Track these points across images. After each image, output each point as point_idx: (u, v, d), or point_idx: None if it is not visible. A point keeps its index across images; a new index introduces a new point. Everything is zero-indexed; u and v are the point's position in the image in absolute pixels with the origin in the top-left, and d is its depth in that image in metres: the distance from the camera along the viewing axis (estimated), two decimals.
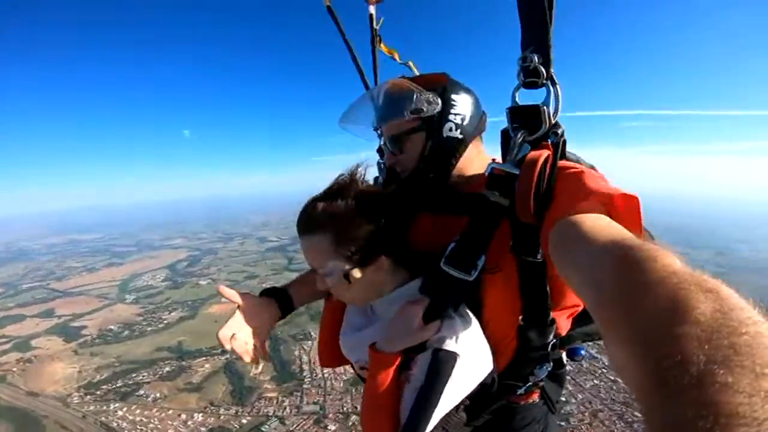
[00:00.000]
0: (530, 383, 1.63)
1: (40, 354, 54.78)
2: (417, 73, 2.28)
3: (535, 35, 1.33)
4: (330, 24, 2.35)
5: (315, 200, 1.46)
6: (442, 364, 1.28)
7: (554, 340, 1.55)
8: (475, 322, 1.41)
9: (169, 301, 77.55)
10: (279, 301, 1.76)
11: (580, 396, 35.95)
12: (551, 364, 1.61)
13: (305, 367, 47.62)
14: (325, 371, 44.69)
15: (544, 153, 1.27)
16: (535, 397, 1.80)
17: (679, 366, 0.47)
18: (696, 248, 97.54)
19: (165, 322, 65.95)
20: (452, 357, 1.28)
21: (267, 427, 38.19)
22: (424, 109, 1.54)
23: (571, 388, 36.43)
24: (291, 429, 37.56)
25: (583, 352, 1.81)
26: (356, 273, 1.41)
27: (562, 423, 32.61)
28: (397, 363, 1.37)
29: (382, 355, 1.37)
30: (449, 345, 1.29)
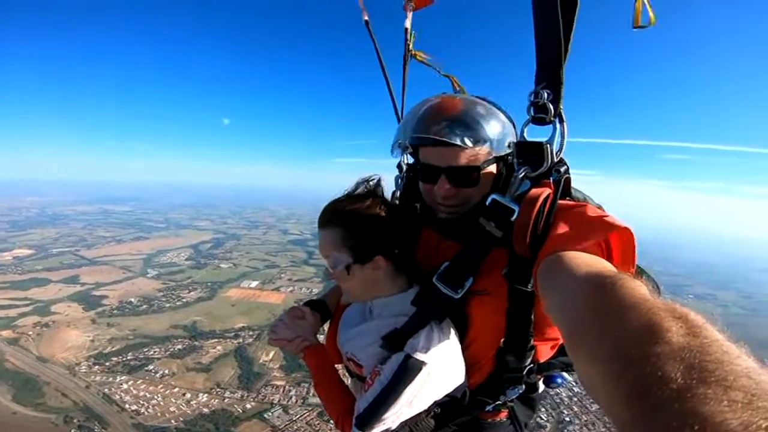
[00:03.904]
0: (500, 402, 1.71)
1: (58, 320, 55.59)
2: (459, 89, 2.34)
3: (549, 72, 1.39)
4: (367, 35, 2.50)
5: (335, 200, 1.63)
6: (407, 370, 1.39)
7: (531, 365, 1.64)
8: (454, 337, 1.54)
9: (190, 280, 78.58)
10: (320, 311, 1.93)
11: (584, 417, 37.08)
12: (523, 387, 1.68)
13: None
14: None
15: (545, 191, 1.35)
16: (503, 416, 1.87)
17: (659, 382, 0.51)
18: (722, 289, 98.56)
19: (183, 300, 66.69)
20: (419, 366, 1.39)
21: (270, 414, 38.46)
22: (513, 141, 1.55)
23: (576, 410, 38.01)
24: (294, 419, 37.75)
25: (559, 380, 1.86)
26: (356, 267, 1.56)
27: None
28: (313, 356, 1.69)
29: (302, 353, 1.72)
30: (420, 354, 1.41)
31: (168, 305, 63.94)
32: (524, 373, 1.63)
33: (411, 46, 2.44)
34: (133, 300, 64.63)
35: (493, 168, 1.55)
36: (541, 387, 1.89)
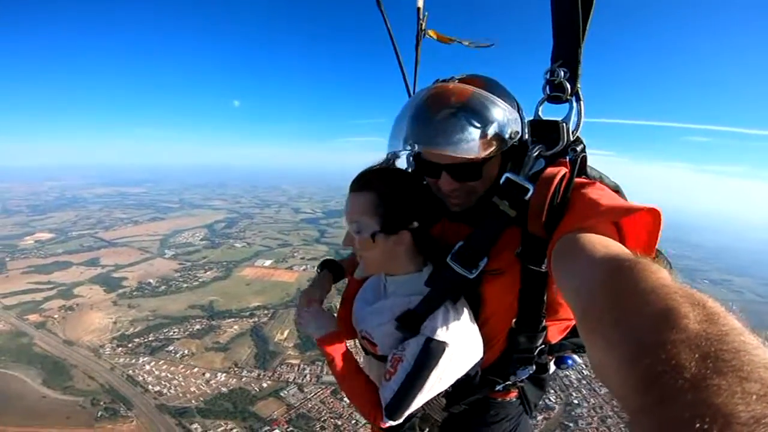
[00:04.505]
0: (510, 382, 1.75)
1: (81, 302, 57.00)
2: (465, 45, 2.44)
3: (566, 50, 1.35)
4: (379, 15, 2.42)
5: (372, 168, 1.63)
6: (430, 353, 1.42)
7: (542, 346, 1.64)
8: (470, 316, 1.55)
9: (206, 260, 79.65)
10: (333, 270, 2.02)
11: (592, 400, 37.51)
12: (534, 367, 1.69)
13: None
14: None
15: (561, 170, 1.32)
16: (513, 396, 1.92)
17: (673, 370, 0.49)
18: (739, 275, 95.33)
19: (200, 280, 67.76)
20: (442, 347, 1.41)
21: (286, 392, 39.09)
22: (518, 131, 1.49)
23: (585, 392, 38.44)
24: (309, 397, 38.41)
25: (570, 361, 1.87)
26: (381, 237, 1.54)
27: (571, 424, 34.93)
28: (333, 342, 1.62)
29: (320, 341, 1.63)
30: (440, 335, 1.42)
31: (185, 285, 65.03)
32: (535, 353, 1.63)
33: (423, 26, 2.38)
34: (151, 281, 65.83)
35: (496, 158, 1.51)
36: (552, 368, 1.88)
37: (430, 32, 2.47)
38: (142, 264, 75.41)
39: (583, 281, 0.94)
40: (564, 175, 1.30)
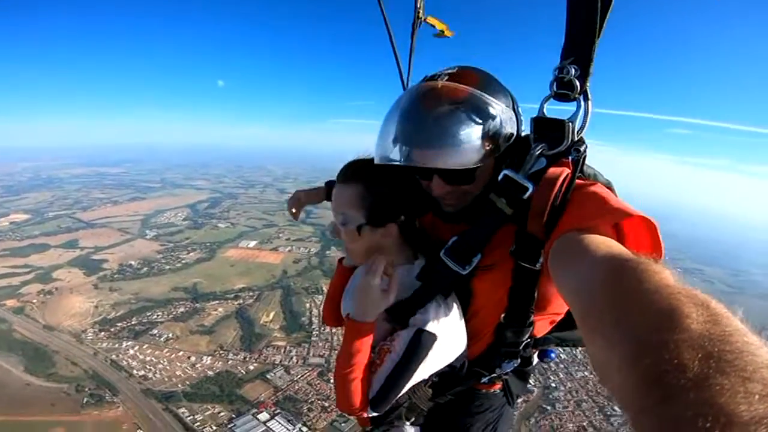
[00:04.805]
0: (495, 374, 1.79)
1: (61, 286, 55.85)
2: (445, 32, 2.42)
3: (579, 47, 1.29)
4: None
5: (359, 159, 1.62)
6: (421, 344, 1.44)
7: (528, 340, 1.67)
8: (458, 311, 1.59)
9: (189, 240, 78.74)
10: (327, 187, 2.15)
11: (569, 384, 38.98)
12: (519, 360, 1.74)
13: (315, 320, 48.29)
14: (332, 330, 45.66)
15: (564, 171, 1.32)
16: (497, 388, 1.98)
17: (675, 369, 0.50)
18: (711, 265, 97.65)
19: (183, 261, 67.04)
20: (432, 339, 1.44)
21: (272, 374, 39.48)
22: (513, 133, 1.47)
23: (562, 376, 40.04)
24: (295, 379, 38.84)
25: (553, 355, 1.98)
26: (367, 229, 1.54)
27: (548, 407, 36.36)
28: (371, 332, 1.50)
29: (356, 323, 1.49)
30: (431, 327, 1.45)
31: (168, 267, 64.31)
32: (521, 347, 1.65)
33: (421, 12, 2.32)
34: (133, 263, 64.85)
35: (489, 161, 1.46)
36: (536, 361, 1.94)
37: (429, 19, 2.38)
38: (123, 245, 73.99)
39: (584, 280, 0.93)
40: (567, 176, 1.30)
